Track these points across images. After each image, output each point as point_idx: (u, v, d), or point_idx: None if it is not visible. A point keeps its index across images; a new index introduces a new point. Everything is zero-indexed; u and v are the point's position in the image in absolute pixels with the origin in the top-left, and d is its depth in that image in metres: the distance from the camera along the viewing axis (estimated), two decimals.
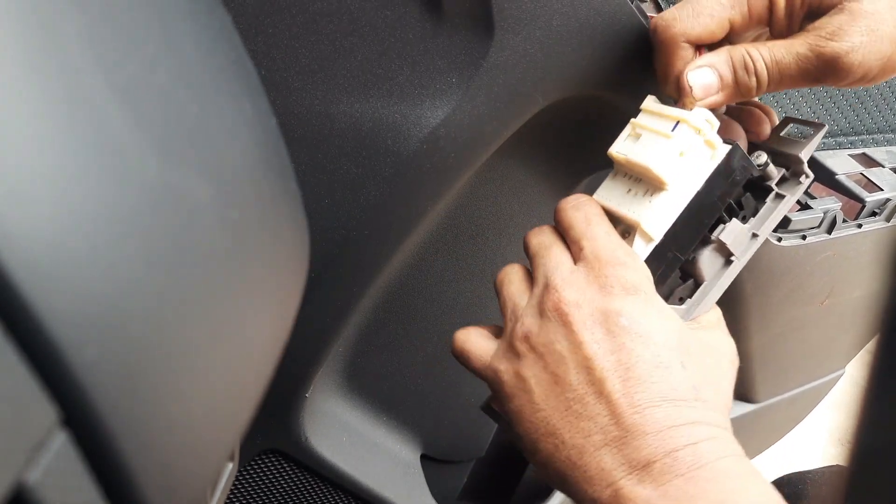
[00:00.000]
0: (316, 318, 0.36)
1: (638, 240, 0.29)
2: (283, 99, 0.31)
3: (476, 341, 0.30)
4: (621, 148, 0.29)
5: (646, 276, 0.28)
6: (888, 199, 0.52)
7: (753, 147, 0.32)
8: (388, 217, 0.33)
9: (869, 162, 0.55)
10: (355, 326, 0.41)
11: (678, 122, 0.28)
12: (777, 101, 0.50)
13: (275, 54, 0.30)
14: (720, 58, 0.29)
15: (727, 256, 0.31)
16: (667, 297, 0.31)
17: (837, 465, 0.49)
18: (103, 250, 0.13)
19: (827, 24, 0.27)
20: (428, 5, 0.29)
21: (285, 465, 0.43)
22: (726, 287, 0.31)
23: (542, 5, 0.29)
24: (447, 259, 0.41)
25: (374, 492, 0.44)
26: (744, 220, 0.30)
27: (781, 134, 0.31)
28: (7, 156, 0.12)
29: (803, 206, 0.50)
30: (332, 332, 0.37)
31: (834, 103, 0.53)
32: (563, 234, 0.30)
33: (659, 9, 0.36)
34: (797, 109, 0.52)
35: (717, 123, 0.29)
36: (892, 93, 0.55)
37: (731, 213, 0.30)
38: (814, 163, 0.53)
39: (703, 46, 0.30)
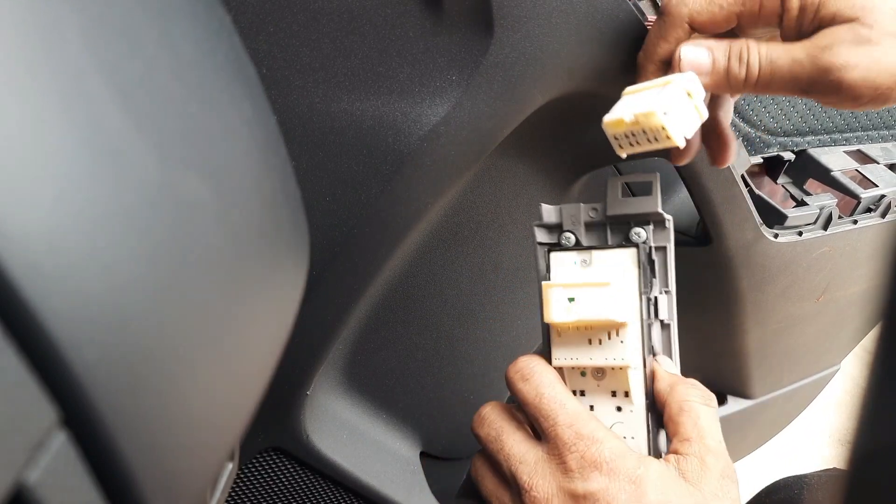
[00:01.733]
0: (316, 317, 0.36)
1: (633, 374, 0.29)
2: (283, 97, 0.31)
3: None
4: (564, 317, 0.29)
5: (608, 444, 0.27)
6: (883, 196, 0.52)
7: (603, 226, 0.32)
8: (388, 215, 0.33)
9: (864, 158, 0.56)
10: (356, 324, 0.41)
11: (665, 86, 0.28)
12: (773, 99, 0.51)
13: (275, 53, 0.30)
14: (720, 44, 0.29)
15: (663, 324, 0.31)
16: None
17: (835, 469, 0.49)
18: (103, 250, 0.13)
19: (830, 35, 0.27)
20: (428, 3, 0.29)
21: (286, 462, 0.43)
22: (678, 350, 0.32)
23: (541, 3, 0.29)
24: (447, 256, 0.42)
25: (375, 489, 0.44)
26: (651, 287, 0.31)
27: (620, 197, 0.31)
28: (7, 156, 0.12)
29: (799, 203, 0.50)
30: (333, 330, 0.37)
31: None
32: (520, 407, 0.30)
33: (657, 7, 0.36)
34: (792, 106, 0.52)
35: (703, 93, 0.29)
36: None
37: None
38: (809, 159, 0.53)
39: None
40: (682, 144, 0.28)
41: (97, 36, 0.14)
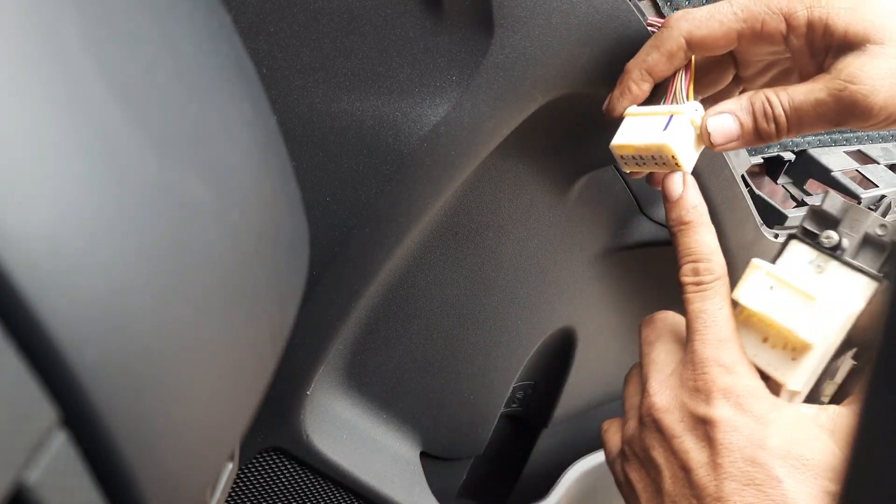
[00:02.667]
0: (316, 317, 0.36)
1: (783, 393, 0.26)
2: (283, 97, 0.31)
3: (611, 436, 0.31)
4: (754, 302, 0.26)
5: (746, 380, 0.26)
6: (883, 196, 0.52)
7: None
8: (388, 215, 0.33)
9: (864, 159, 0.56)
10: (356, 324, 0.41)
11: (672, 116, 0.29)
12: None
13: (276, 53, 0.30)
14: (740, 104, 0.28)
15: None
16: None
17: None
18: (103, 250, 0.13)
19: (847, 65, 0.26)
20: (428, 3, 0.29)
21: (286, 462, 0.43)
22: None
23: (541, 3, 0.29)
24: (447, 257, 0.41)
25: (375, 489, 0.44)
26: None
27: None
28: (8, 156, 0.12)
29: (799, 203, 0.50)
30: (333, 330, 0.37)
31: None
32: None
33: (657, 7, 0.36)
34: None
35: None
36: None
37: None
38: (810, 160, 0.53)
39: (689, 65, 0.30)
40: (689, 170, 0.29)
41: (97, 36, 0.14)
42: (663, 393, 0.27)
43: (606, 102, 0.32)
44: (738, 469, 0.24)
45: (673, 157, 0.28)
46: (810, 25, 0.27)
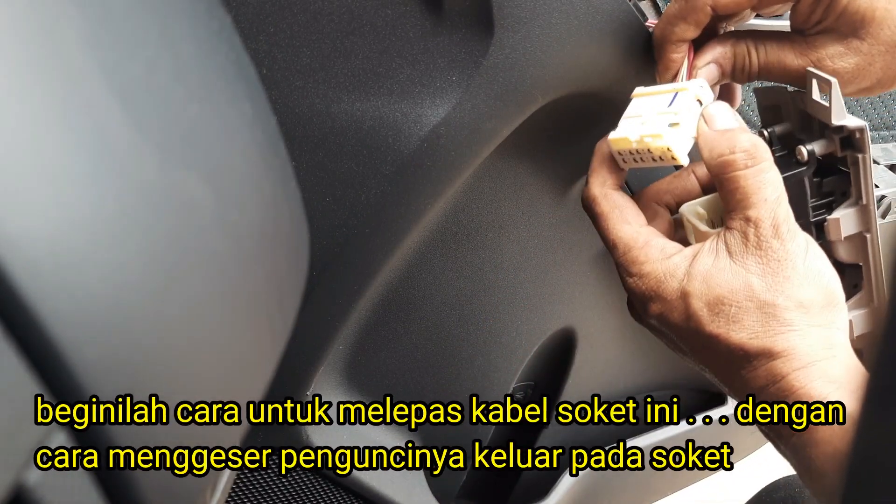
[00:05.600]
0: (317, 318, 0.36)
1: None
2: (283, 98, 0.31)
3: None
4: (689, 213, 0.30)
5: (653, 275, 0.29)
6: (884, 196, 0.52)
7: (791, 137, 0.31)
8: (388, 215, 0.33)
9: None
10: (356, 325, 0.41)
11: (676, 93, 0.29)
12: None
13: (276, 53, 0.30)
14: (725, 55, 0.31)
15: (860, 234, 0.30)
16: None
17: None
18: (103, 251, 0.13)
19: (825, 52, 0.28)
20: (428, 4, 0.29)
21: (286, 463, 0.43)
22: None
23: (541, 4, 0.29)
24: (447, 257, 0.42)
25: (375, 490, 0.44)
26: (844, 196, 0.30)
27: (814, 97, 0.29)
28: (8, 157, 0.12)
29: None
30: (333, 331, 0.37)
31: None
32: None
33: (657, 7, 0.36)
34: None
35: (711, 97, 0.30)
36: None
37: (829, 208, 0.30)
38: None
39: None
40: (686, 163, 0.29)
41: (97, 36, 0.14)
42: (632, 313, 0.32)
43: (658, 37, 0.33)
44: (690, 349, 0.29)
45: (668, 149, 0.29)
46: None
